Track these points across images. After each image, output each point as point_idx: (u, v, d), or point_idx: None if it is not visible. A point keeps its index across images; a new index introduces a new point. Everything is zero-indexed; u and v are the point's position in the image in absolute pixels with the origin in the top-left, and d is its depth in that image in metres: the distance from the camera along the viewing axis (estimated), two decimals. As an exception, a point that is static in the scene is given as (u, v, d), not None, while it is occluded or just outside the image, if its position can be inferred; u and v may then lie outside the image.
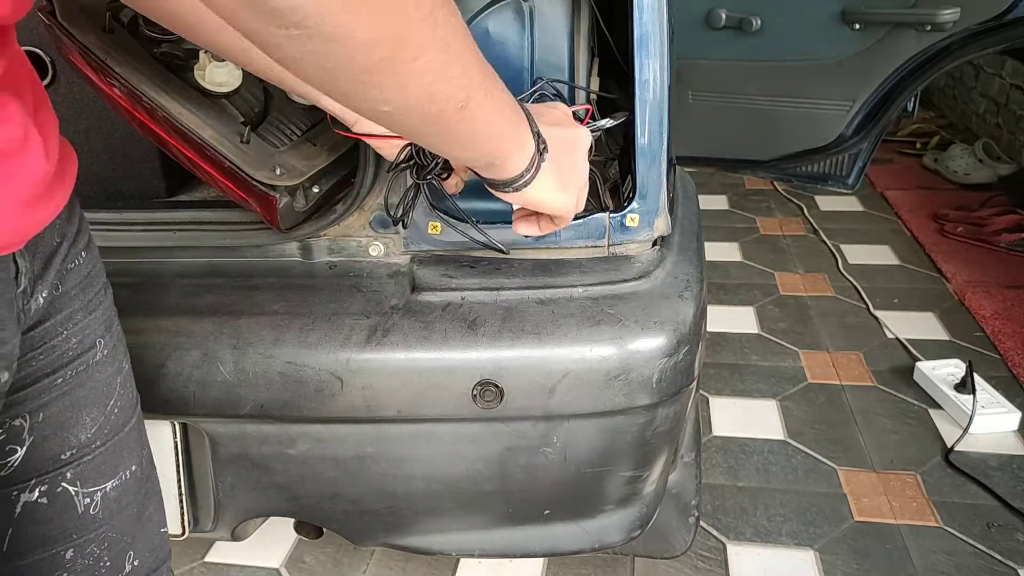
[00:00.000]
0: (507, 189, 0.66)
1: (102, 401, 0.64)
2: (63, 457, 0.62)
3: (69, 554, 0.63)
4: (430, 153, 0.79)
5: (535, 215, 0.75)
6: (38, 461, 0.61)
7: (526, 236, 0.78)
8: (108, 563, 0.66)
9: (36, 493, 0.61)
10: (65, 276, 0.61)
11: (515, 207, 0.76)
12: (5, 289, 0.52)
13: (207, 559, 1.49)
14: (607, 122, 0.92)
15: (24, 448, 0.59)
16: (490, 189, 0.67)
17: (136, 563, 0.68)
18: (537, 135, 0.65)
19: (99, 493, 0.64)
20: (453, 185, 0.85)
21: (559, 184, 0.69)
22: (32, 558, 0.62)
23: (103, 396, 0.64)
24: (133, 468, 0.68)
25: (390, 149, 0.84)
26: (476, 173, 0.67)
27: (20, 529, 0.61)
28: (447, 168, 0.82)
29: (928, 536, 1.48)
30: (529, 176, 0.65)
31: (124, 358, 0.69)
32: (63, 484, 0.62)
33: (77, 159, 0.63)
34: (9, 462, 0.59)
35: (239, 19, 0.40)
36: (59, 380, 0.61)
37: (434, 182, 0.84)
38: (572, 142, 0.72)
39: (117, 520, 0.66)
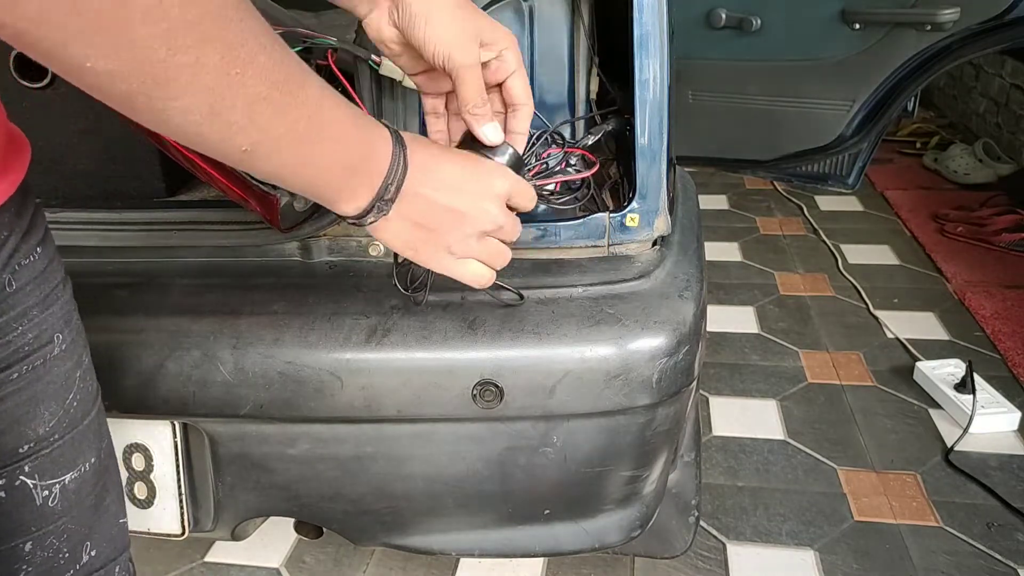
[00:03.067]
0: (351, 222, 0.62)
1: (60, 395, 0.64)
2: (21, 451, 0.61)
3: (28, 546, 0.63)
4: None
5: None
6: None
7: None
8: (67, 554, 0.66)
9: None
10: (18, 272, 0.60)
11: None
12: None
13: (207, 559, 1.49)
14: (588, 138, 0.92)
15: None
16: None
17: (93, 553, 0.68)
18: (385, 189, 0.60)
19: (58, 486, 0.64)
20: None
21: (421, 239, 0.65)
22: None
23: (62, 390, 0.64)
24: (92, 460, 0.67)
25: (432, 119, 0.79)
26: None
27: None
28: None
29: (928, 536, 1.48)
30: (367, 223, 0.62)
31: (84, 351, 0.68)
32: (21, 477, 0.62)
33: (30, 152, 0.62)
34: None
35: None
36: (15, 375, 0.60)
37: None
38: (458, 193, 0.65)
39: (76, 512, 0.66)
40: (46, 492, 0.63)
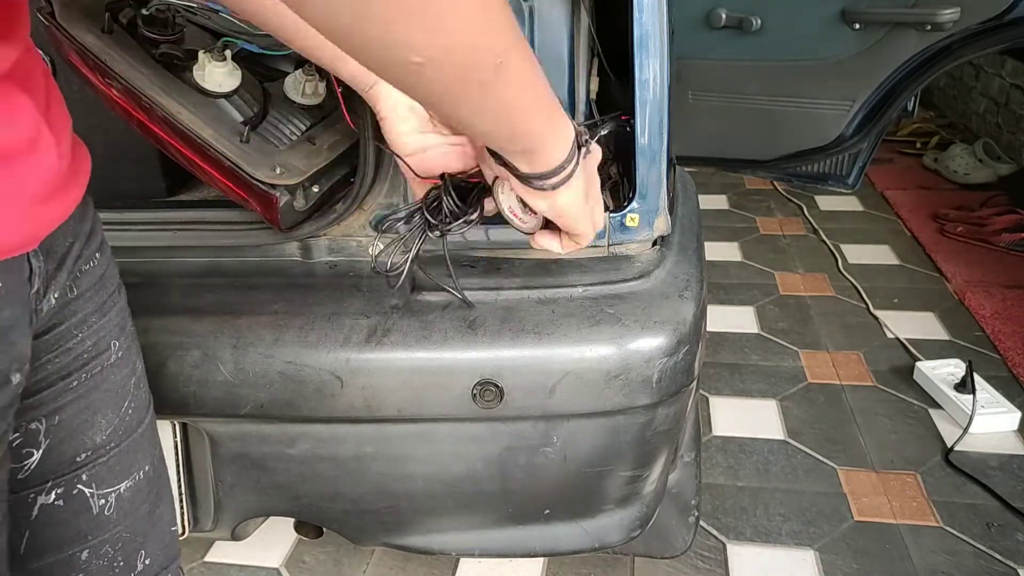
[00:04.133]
0: (542, 185, 0.59)
1: (116, 403, 0.64)
2: (79, 459, 0.62)
3: (84, 555, 0.63)
4: (458, 195, 0.73)
5: (557, 229, 0.69)
6: (54, 464, 0.61)
7: (545, 249, 0.71)
8: (121, 562, 0.66)
9: (52, 495, 0.61)
10: (79, 278, 0.60)
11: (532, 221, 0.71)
12: (20, 290, 0.52)
13: (207, 559, 1.49)
14: (604, 129, 0.92)
15: (40, 451, 0.59)
16: (521, 188, 0.61)
17: (147, 562, 0.68)
18: (578, 127, 0.59)
19: (113, 494, 0.64)
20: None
21: (587, 195, 0.64)
22: (48, 559, 0.62)
23: (118, 398, 0.64)
24: (146, 468, 0.68)
25: (419, 187, 0.77)
26: (510, 169, 0.60)
27: (37, 531, 0.61)
28: (471, 217, 0.75)
29: (928, 536, 1.48)
30: (569, 170, 0.59)
31: (138, 358, 0.69)
32: (79, 486, 0.62)
33: (90, 158, 0.62)
34: (26, 465, 0.59)
35: None
36: (74, 383, 0.60)
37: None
38: (593, 157, 0.67)
39: (130, 520, 0.66)
40: (102, 501, 0.63)
